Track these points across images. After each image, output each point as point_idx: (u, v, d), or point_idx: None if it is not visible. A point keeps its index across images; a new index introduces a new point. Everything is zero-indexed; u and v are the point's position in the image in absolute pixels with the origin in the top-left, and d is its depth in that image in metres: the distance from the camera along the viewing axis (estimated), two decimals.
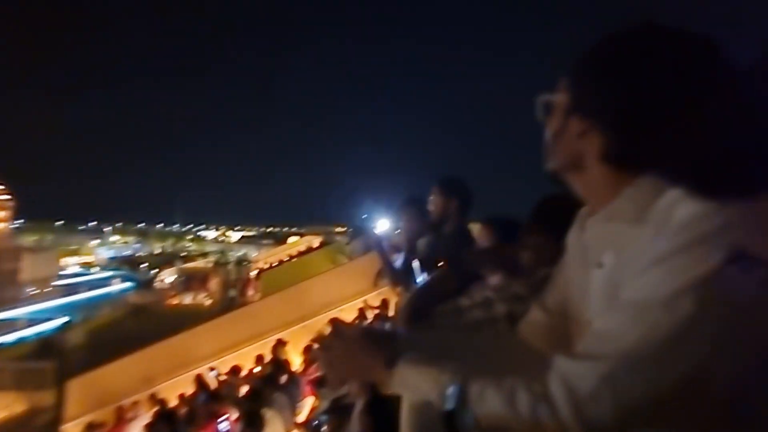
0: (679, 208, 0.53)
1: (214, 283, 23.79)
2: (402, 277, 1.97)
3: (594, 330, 0.59)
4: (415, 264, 1.88)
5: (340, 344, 0.77)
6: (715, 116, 0.29)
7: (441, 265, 1.33)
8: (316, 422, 3.76)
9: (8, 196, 31.92)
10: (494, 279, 1.34)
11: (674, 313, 0.51)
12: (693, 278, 0.51)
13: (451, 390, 0.57)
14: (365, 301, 6.79)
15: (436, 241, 1.89)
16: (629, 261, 0.58)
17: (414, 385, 0.68)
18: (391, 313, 5.71)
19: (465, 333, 1.08)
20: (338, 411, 3.03)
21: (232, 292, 19.09)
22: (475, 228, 1.84)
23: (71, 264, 45.66)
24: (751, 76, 0.27)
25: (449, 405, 0.53)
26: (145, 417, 6.34)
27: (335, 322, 0.82)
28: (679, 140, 0.31)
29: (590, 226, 0.69)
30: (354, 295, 7.48)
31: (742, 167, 0.27)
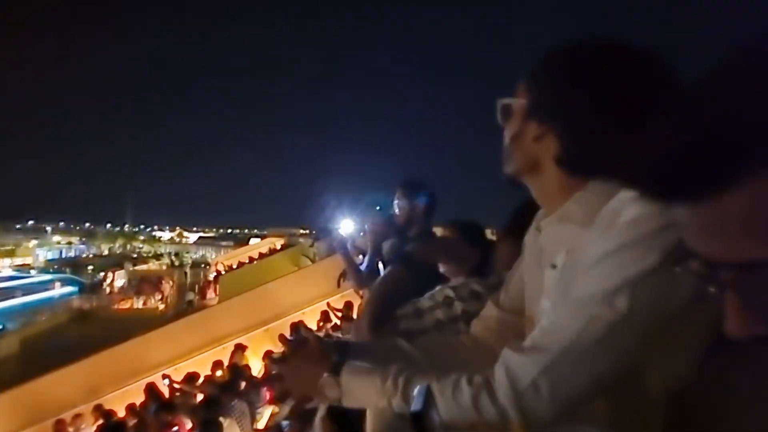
0: (626, 210, 0.57)
1: (168, 287, 22.62)
2: (367, 279, 1.96)
3: (540, 325, 0.62)
4: (380, 267, 1.88)
5: (293, 359, 0.76)
6: (664, 122, 0.31)
7: (392, 265, 1.30)
8: (278, 428, 3.67)
9: None
10: (457, 279, 1.36)
11: (610, 309, 0.55)
12: (629, 276, 0.54)
13: (417, 391, 0.58)
14: (328, 304, 6.72)
15: (401, 243, 1.90)
16: (577, 261, 0.61)
17: (361, 396, 0.68)
18: (354, 315, 5.68)
19: (418, 337, 1.09)
20: (300, 416, 2.97)
21: (190, 296, 18.23)
22: (438, 231, 1.87)
23: (6, 266, 41.94)
24: (708, 83, 0.29)
25: (416, 406, 0.53)
26: (89, 430, 5.92)
27: (296, 328, 0.80)
28: (629, 145, 0.33)
29: (545, 227, 0.72)
30: (317, 298, 7.38)
31: (692, 171, 0.29)
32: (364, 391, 0.68)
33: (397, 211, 1.92)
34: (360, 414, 1.08)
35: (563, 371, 0.56)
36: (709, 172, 0.28)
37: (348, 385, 0.69)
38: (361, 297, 2.23)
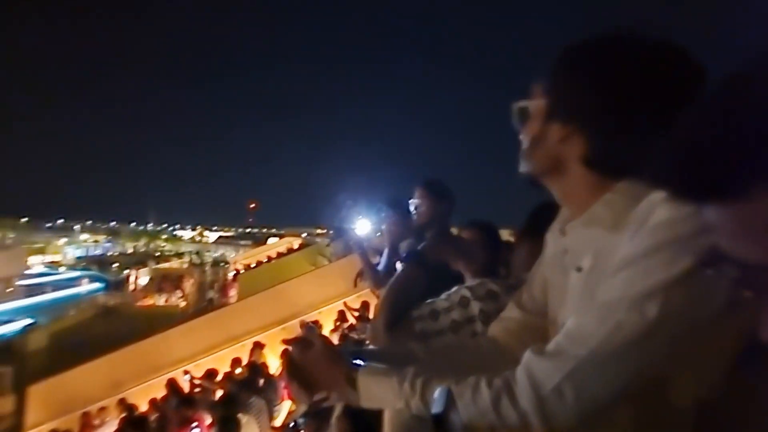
0: (655, 212, 0.54)
1: (189, 285, 23.17)
2: (384, 279, 1.96)
3: (565, 329, 0.61)
4: (398, 267, 1.87)
5: (305, 359, 0.75)
6: (693, 120, 0.30)
7: (405, 264, 1.28)
8: (294, 426, 3.70)
9: None
10: (473, 279, 1.34)
11: (639, 314, 0.53)
12: (659, 281, 0.52)
13: (437, 393, 0.57)
14: (345, 304, 6.75)
15: (418, 244, 1.89)
16: (605, 264, 0.59)
17: (378, 397, 0.68)
18: (371, 315, 5.69)
19: (434, 338, 1.07)
20: (316, 415, 2.99)
21: (210, 294, 18.63)
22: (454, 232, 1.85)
23: (36, 263, 43.71)
24: (737, 80, 0.28)
25: (437, 408, 0.53)
26: (113, 423, 6.11)
27: (307, 327, 0.80)
28: (658, 144, 0.32)
29: (570, 230, 0.70)
30: (334, 298, 7.43)
31: (725, 171, 0.28)
32: (382, 392, 0.67)
33: (416, 211, 1.91)
34: (375, 413, 1.08)
35: (588, 377, 0.55)
36: (741, 171, 0.27)
37: (365, 386, 0.69)
38: (378, 297, 2.23)
